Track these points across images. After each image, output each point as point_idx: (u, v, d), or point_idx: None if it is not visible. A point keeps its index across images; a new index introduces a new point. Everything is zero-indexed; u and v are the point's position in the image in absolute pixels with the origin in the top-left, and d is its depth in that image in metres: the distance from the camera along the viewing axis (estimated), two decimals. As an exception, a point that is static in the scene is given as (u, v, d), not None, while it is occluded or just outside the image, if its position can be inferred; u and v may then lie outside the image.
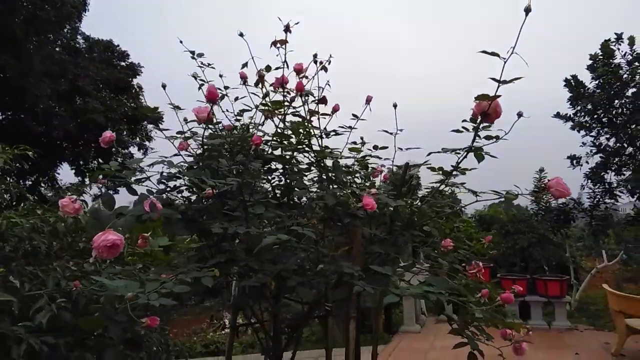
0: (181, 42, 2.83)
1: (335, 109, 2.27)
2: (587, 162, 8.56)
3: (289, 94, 2.47)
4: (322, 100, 2.30)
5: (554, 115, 8.64)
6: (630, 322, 5.98)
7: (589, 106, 8.18)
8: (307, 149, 2.32)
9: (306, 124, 2.06)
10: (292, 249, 1.68)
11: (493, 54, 1.68)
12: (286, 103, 2.33)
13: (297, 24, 2.20)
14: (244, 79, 2.25)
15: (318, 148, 2.28)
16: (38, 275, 2.31)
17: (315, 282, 1.82)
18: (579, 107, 8.41)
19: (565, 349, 6.70)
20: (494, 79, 1.73)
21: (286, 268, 1.69)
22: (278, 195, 2.36)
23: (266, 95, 2.21)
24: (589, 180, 8.35)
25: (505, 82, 1.73)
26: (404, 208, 2.04)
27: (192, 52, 2.66)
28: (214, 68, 2.73)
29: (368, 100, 2.55)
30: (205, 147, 2.17)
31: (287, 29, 2.23)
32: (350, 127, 2.53)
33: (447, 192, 2.73)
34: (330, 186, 1.85)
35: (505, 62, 1.67)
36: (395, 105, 2.50)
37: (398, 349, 6.84)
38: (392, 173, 2.50)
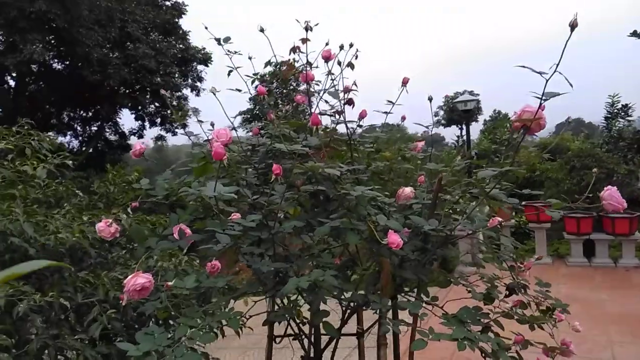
0: (206, 28, 2.72)
1: (362, 115, 2.11)
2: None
3: (316, 87, 2.35)
4: (349, 102, 2.15)
5: (630, 34, 7.73)
6: None
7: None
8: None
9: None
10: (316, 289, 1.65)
11: (535, 71, 1.45)
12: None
13: (316, 25, 2.02)
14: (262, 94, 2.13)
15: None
16: (89, 281, 2.44)
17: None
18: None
19: (630, 290, 6.46)
20: (535, 96, 1.51)
21: (312, 306, 1.67)
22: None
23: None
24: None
25: (547, 97, 1.51)
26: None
27: (218, 40, 2.55)
28: (241, 54, 2.61)
29: (404, 82, 2.37)
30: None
31: (307, 28, 2.06)
32: (386, 113, 2.38)
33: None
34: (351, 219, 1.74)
35: (547, 81, 1.44)
36: (430, 99, 2.31)
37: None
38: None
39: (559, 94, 1.52)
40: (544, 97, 1.50)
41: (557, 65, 1.38)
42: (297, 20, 2.02)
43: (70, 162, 2.67)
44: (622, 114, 8.78)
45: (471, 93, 15.02)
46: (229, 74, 2.57)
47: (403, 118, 2.63)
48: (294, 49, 2.04)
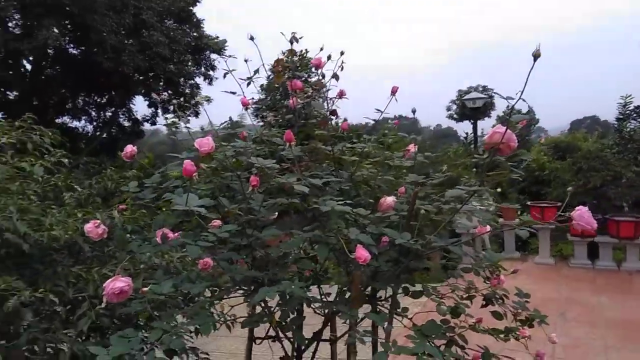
0: (211, 38, 2.77)
1: (344, 128, 2.16)
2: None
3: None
4: (333, 113, 2.20)
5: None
6: None
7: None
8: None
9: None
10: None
11: (502, 97, 1.48)
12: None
13: (301, 37, 2.06)
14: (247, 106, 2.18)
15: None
16: (82, 276, 2.54)
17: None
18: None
19: (631, 294, 6.43)
20: (501, 120, 1.54)
21: (282, 314, 1.74)
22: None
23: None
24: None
25: (515, 123, 1.54)
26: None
27: (215, 45, 2.59)
28: (236, 58, 2.66)
29: (393, 91, 2.41)
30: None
31: (292, 40, 2.11)
32: (375, 121, 2.43)
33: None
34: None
35: (512, 106, 1.46)
36: (414, 111, 2.35)
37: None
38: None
39: (526, 116, 1.55)
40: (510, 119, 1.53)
41: (522, 92, 1.40)
42: (282, 33, 2.06)
43: (67, 160, 2.76)
44: (635, 115, 8.65)
45: (485, 88, 14.81)
46: (224, 76, 2.63)
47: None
48: (278, 62, 2.09)
